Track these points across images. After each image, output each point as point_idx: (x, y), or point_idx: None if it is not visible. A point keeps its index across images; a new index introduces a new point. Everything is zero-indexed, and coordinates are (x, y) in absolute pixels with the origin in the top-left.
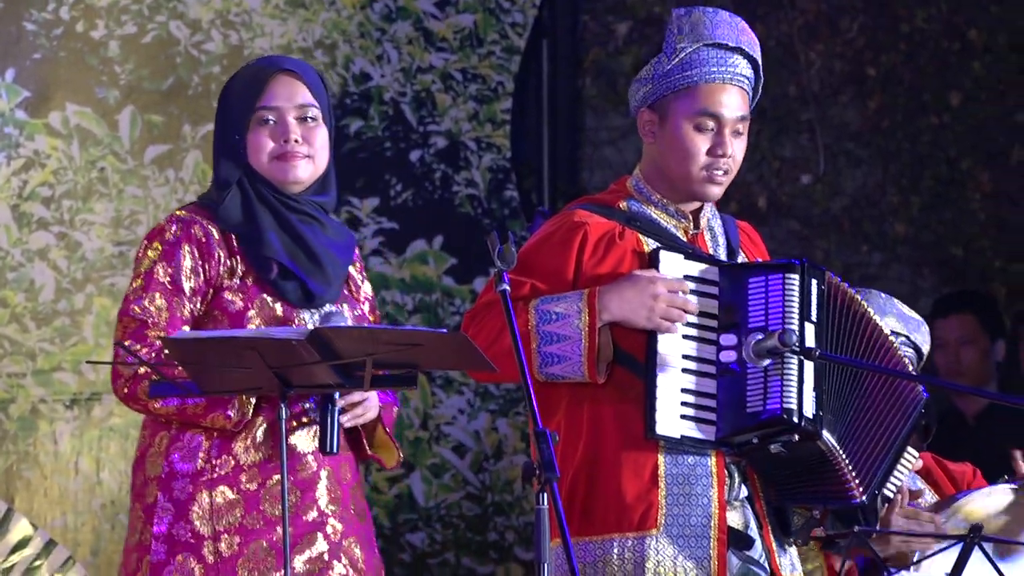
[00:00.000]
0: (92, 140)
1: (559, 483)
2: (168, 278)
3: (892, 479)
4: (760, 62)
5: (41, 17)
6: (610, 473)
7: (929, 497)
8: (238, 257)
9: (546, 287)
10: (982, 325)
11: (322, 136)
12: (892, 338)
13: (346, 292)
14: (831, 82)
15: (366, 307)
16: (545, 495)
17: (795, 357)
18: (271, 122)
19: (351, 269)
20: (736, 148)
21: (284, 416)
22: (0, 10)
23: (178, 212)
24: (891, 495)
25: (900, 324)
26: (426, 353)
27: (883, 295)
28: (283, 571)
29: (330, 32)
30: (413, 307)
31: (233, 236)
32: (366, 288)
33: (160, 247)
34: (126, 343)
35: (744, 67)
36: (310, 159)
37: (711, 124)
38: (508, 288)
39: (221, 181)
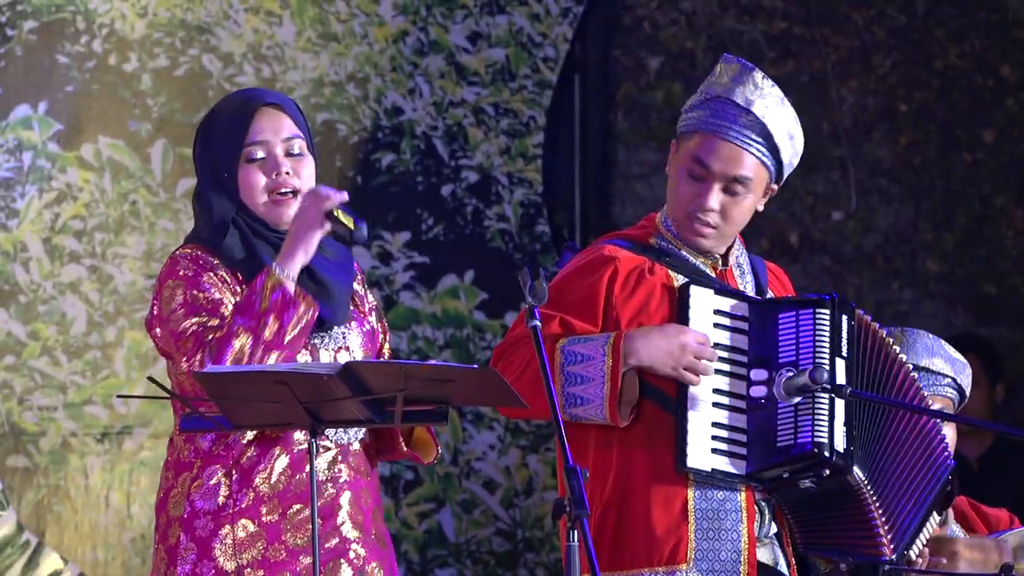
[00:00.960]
0: (124, 173)
1: (589, 518)
2: (203, 295)
3: (918, 541)
4: (775, 130)
5: (74, 50)
6: (640, 507)
7: (963, 538)
8: (245, 289)
9: (576, 320)
10: (984, 368)
11: (309, 168)
12: (919, 382)
13: (352, 309)
14: (864, 118)
15: (373, 317)
16: (576, 532)
17: (826, 394)
18: (260, 157)
19: (354, 284)
20: (731, 206)
21: (314, 451)
22: (33, 43)
23: (179, 252)
24: (914, 558)
25: (947, 366)
26: (457, 388)
27: (930, 336)
28: None
29: (362, 66)
30: (444, 342)
31: (239, 273)
32: (370, 298)
33: (181, 281)
34: (197, 327)
35: (754, 130)
36: (299, 195)
37: (700, 172)
38: (539, 324)
39: (216, 220)
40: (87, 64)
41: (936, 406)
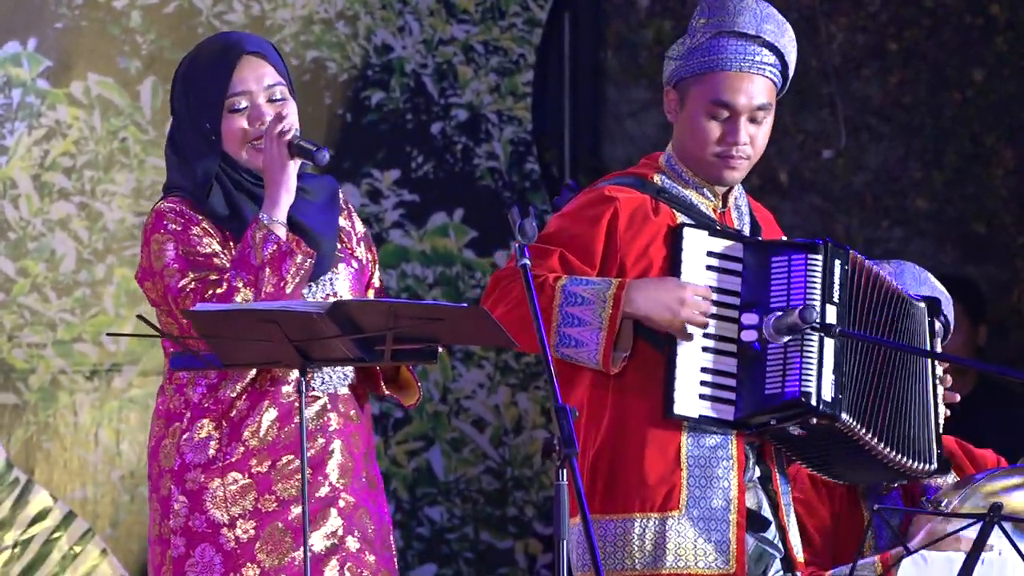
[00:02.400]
0: (114, 110)
1: (581, 457)
2: (195, 249)
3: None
4: (787, 49)
5: None
6: (634, 451)
7: (950, 479)
8: (232, 245)
9: (575, 257)
10: (966, 310)
11: (291, 110)
12: (923, 310)
13: (340, 248)
14: (853, 56)
15: (361, 248)
16: (565, 471)
17: (815, 336)
18: (243, 107)
19: (340, 219)
20: (757, 134)
21: (304, 389)
22: None
23: (162, 206)
24: None
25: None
26: (447, 327)
27: (916, 266)
28: (303, 549)
29: (352, 3)
30: (433, 280)
31: (224, 229)
32: (358, 228)
33: (170, 236)
34: (195, 284)
35: (766, 55)
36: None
37: (724, 113)
38: (529, 263)
39: (201, 178)
40: (76, 1)
41: None
